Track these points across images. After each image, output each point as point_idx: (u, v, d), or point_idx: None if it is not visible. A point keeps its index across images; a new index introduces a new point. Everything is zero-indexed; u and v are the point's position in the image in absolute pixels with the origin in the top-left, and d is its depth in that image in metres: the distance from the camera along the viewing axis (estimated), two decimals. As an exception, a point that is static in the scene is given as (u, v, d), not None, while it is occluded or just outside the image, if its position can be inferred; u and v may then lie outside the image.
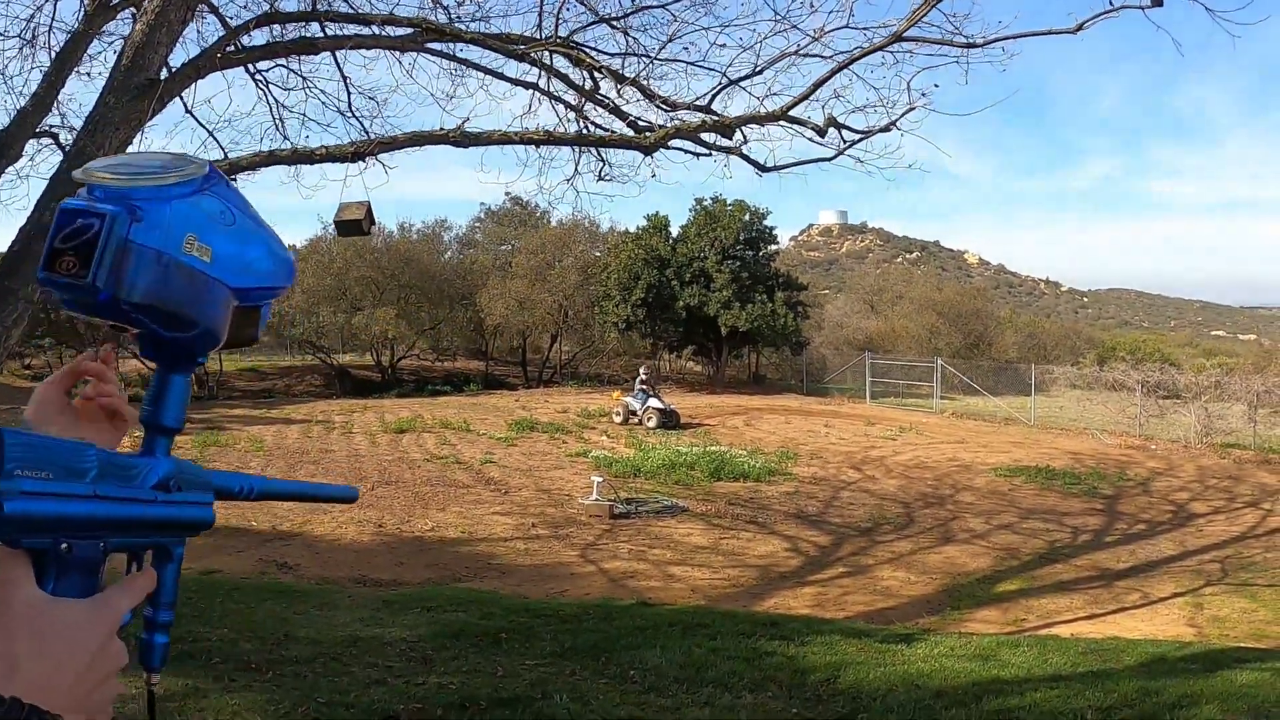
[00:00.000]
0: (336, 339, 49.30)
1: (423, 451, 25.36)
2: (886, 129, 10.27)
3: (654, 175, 12.90)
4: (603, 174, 11.29)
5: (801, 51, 10.08)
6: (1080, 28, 9.31)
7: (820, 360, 51.63)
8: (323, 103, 11.03)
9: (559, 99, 10.60)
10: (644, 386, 33.35)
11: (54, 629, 0.96)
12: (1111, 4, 8.88)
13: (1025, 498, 21.49)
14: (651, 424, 31.92)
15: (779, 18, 10.15)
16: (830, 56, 10.06)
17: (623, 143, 9.81)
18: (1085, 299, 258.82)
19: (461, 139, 8.71)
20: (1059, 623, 12.44)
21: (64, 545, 0.96)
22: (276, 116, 11.38)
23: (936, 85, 10.44)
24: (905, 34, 9.21)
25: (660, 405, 32.52)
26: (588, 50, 10.33)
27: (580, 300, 47.80)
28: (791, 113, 9.81)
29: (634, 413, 32.76)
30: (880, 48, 9.25)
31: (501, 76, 10.32)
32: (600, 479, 19.43)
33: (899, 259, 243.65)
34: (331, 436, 27.90)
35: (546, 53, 9.89)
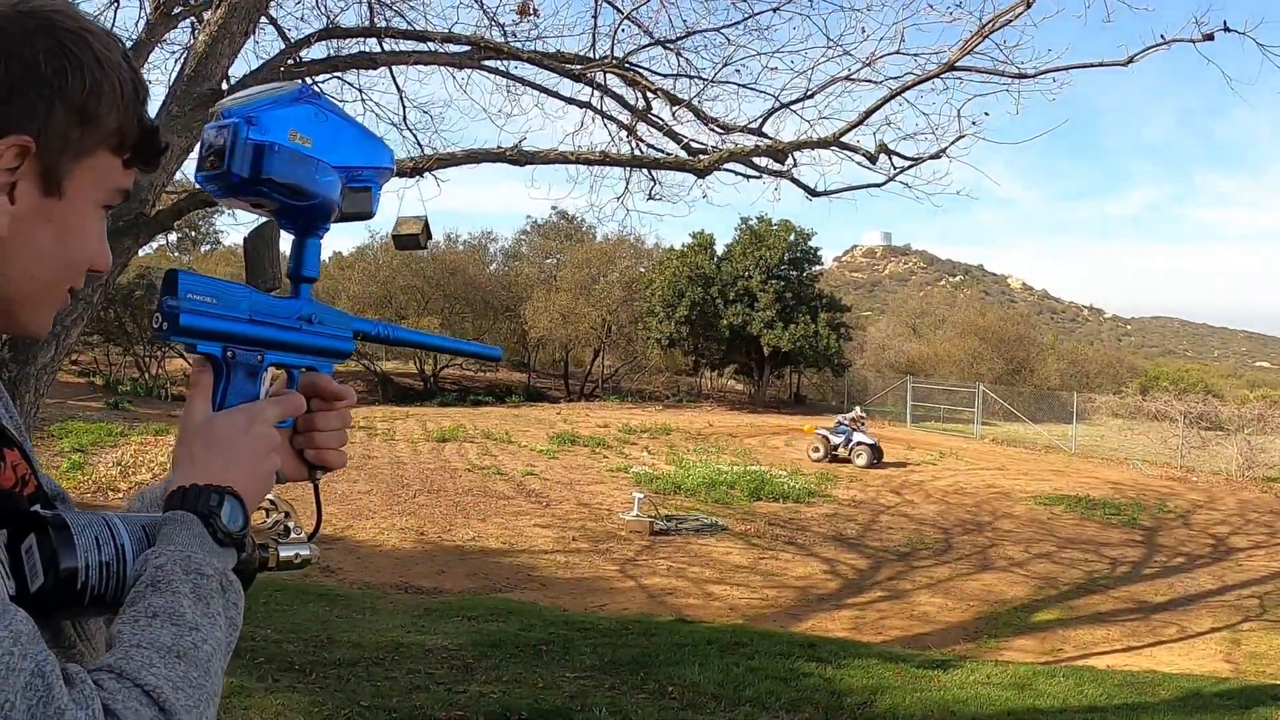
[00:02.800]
0: (380, 348, 49.59)
1: (464, 461, 25.51)
2: (936, 156, 10.33)
3: (705, 196, 12.99)
4: (653, 193, 11.40)
5: (852, 76, 10.18)
6: (1131, 60, 9.36)
7: (861, 382, 51.53)
8: (377, 115, 11.21)
9: (611, 118, 10.74)
10: (849, 423, 30.61)
11: (220, 432, 1.32)
12: (1163, 37, 8.93)
13: (1064, 527, 21.39)
14: (861, 461, 29.35)
15: (831, 43, 10.24)
16: (880, 82, 10.15)
17: (677, 165, 9.93)
18: (1129, 327, 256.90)
19: (519, 157, 8.84)
20: (1095, 654, 12.41)
21: (230, 353, 1.34)
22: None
23: (987, 114, 10.56)
24: (957, 63, 9.29)
25: (869, 441, 29.98)
26: (642, 71, 10.45)
27: (624, 316, 47.86)
28: (843, 138, 9.91)
29: (836, 448, 29.95)
30: (933, 76, 9.33)
31: (556, 95, 10.46)
32: (641, 495, 19.53)
33: (942, 282, 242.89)
34: (374, 443, 28.00)
35: (600, 73, 10.01)
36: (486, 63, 9.76)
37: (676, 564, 16.09)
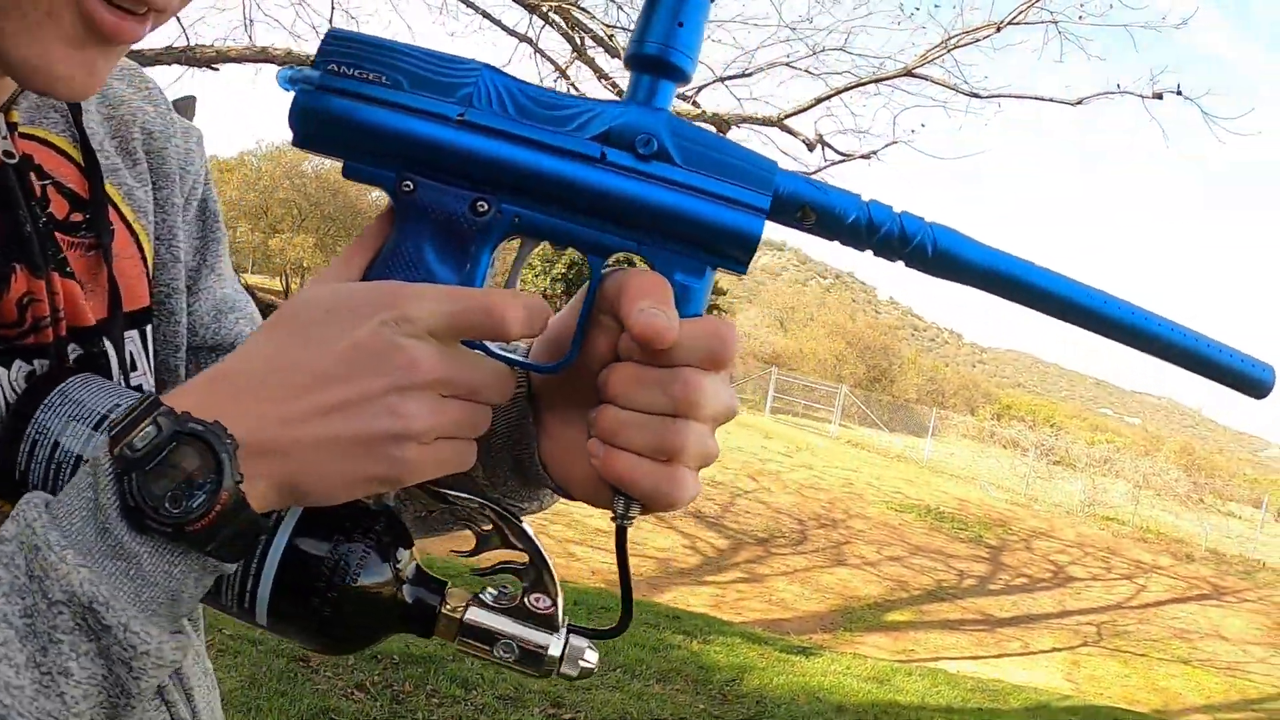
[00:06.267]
0: (248, 258, 48.32)
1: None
2: (867, 157, 10.39)
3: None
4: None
5: (792, 63, 10.15)
6: (1080, 102, 9.52)
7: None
8: (297, 13, 10.78)
9: (548, 58, 10.51)
10: None
11: (296, 318, 0.66)
12: (1119, 86, 9.09)
13: (914, 534, 21.82)
14: None
15: (782, 25, 10.20)
16: (819, 74, 10.16)
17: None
18: (984, 355, 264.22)
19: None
20: (945, 659, 12.67)
21: (406, 184, 0.68)
22: (247, 17, 11.08)
23: (924, 124, 10.62)
24: (914, 70, 9.31)
25: None
26: (585, 12, 10.25)
27: (498, 265, 47.35)
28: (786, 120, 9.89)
29: None
30: (889, 78, 9.35)
31: (499, 23, 10.21)
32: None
33: (812, 281, 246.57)
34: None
35: (544, 7, 9.79)
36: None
37: (537, 521, 15.78)
